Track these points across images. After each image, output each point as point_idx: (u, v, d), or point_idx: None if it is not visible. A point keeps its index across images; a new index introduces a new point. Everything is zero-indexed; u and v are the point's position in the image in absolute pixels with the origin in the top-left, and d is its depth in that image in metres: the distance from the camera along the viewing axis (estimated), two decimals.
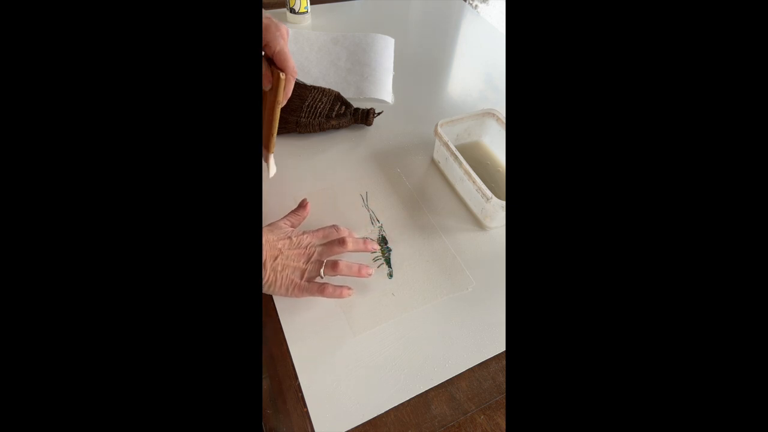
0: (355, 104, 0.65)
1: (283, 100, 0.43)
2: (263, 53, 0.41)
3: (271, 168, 0.48)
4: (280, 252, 0.43)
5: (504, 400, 0.41)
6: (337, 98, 0.62)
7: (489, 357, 0.43)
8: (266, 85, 0.42)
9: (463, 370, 0.42)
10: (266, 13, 0.42)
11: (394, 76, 0.74)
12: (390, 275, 0.48)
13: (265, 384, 0.40)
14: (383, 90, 0.71)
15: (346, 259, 0.46)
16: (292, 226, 0.47)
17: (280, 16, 0.84)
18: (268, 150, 0.46)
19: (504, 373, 0.43)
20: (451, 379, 0.42)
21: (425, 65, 0.79)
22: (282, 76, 0.41)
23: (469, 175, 0.51)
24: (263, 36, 0.40)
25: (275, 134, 0.45)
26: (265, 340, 0.42)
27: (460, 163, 0.52)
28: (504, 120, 0.59)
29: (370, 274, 0.46)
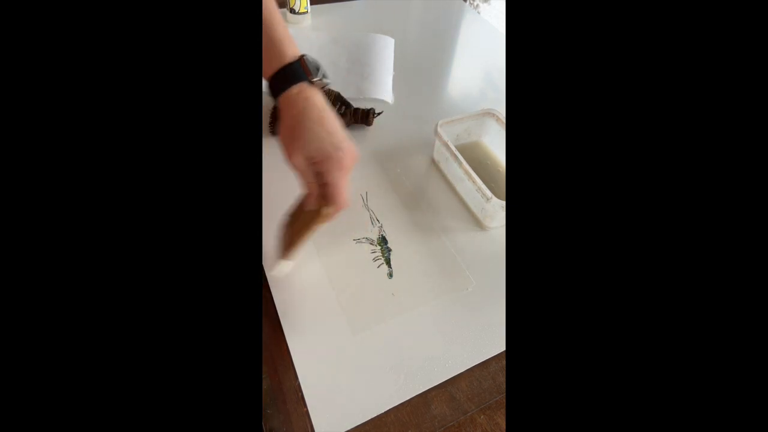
0: (355, 104, 0.65)
1: (320, 226, 0.41)
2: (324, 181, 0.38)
3: (284, 268, 0.45)
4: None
5: (504, 400, 0.41)
6: (337, 98, 0.62)
7: (489, 357, 0.43)
8: (312, 205, 0.40)
9: (463, 370, 0.42)
10: (339, 144, 0.38)
11: (394, 76, 0.74)
12: (390, 275, 0.48)
13: (265, 384, 0.40)
14: (383, 90, 0.71)
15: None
16: None
17: None
18: (285, 257, 0.43)
19: (504, 373, 0.43)
20: (451, 379, 0.42)
21: (425, 65, 0.79)
22: (325, 211, 0.39)
23: (469, 175, 0.51)
24: (322, 165, 0.38)
25: (298, 247, 0.42)
26: (265, 340, 0.42)
27: (460, 163, 0.52)
28: (504, 120, 0.59)
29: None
